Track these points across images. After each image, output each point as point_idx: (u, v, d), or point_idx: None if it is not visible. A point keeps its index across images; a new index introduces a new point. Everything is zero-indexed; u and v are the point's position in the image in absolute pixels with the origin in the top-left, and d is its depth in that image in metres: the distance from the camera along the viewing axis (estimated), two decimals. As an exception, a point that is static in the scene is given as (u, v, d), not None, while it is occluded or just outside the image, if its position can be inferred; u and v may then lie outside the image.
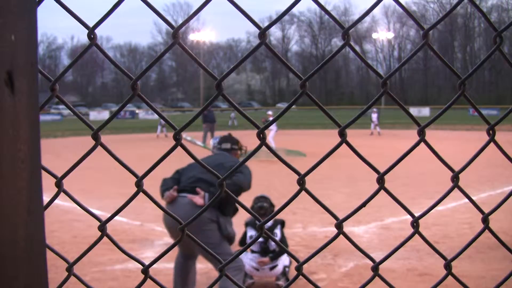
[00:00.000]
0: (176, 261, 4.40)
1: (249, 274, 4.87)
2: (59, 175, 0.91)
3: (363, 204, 1.08)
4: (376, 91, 69.75)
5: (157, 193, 4.30)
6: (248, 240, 4.87)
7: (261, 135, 0.93)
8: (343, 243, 6.20)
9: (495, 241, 1.17)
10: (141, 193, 0.94)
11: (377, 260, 1.09)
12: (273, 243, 4.79)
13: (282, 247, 1.10)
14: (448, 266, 1.14)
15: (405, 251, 5.70)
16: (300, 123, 36.98)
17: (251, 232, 4.94)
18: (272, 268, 4.83)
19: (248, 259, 4.81)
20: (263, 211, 4.92)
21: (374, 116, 28.17)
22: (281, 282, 4.87)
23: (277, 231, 4.93)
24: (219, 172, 3.47)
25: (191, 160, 0.98)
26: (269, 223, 4.83)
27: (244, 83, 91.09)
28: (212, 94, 0.88)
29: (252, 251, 4.91)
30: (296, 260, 1.06)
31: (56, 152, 17.73)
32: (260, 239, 4.79)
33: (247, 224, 5.06)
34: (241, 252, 1.11)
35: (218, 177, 0.97)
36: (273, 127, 19.29)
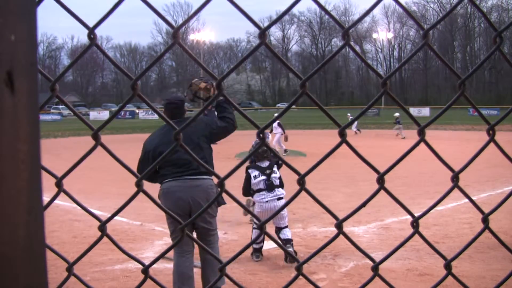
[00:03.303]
0: (176, 263, 4.38)
1: (260, 211, 5.59)
2: (59, 175, 0.91)
3: (363, 204, 1.09)
4: (376, 91, 69.73)
5: (157, 193, 4.31)
6: (253, 180, 5.64)
7: (261, 135, 0.93)
8: (343, 243, 6.19)
9: (495, 241, 1.17)
10: (141, 193, 0.94)
11: (377, 260, 1.09)
12: (276, 178, 5.67)
13: (283, 248, 1.10)
14: (448, 266, 1.14)
15: (405, 251, 5.70)
16: (300, 123, 36.97)
17: (254, 172, 5.70)
18: (279, 199, 5.65)
19: (258, 198, 5.65)
20: (266, 154, 5.75)
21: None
22: (291, 249, 5.57)
23: (276, 169, 5.74)
24: (201, 132, 3.60)
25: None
26: (266, 163, 5.72)
27: (244, 83, 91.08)
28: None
29: (260, 189, 5.65)
30: (296, 260, 1.06)
31: (56, 152, 17.74)
32: (264, 177, 5.65)
33: (248, 168, 5.78)
34: (240, 253, 1.11)
35: (218, 177, 0.97)
36: (278, 130, 18.26)
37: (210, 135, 4.34)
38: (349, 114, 29.22)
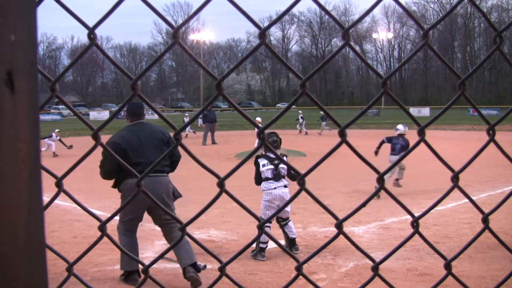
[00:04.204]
0: (127, 242, 4.99)
1: (269, 198, 5.92)
2: (59, 175, 0.91)
3: (363, 204, 1.09)
4: (376, 91, 69.71)
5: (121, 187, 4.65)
6: (262, 168, 5.97)
7: (261, 135, 0.93)
8: (343, 243, 6.19)
9: (495, 241, 1.17)
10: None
11: (377, 260, 1.09)
12: (282, 169, 5.96)
13: (283, 248, 1.10)
14: (448, 266, 1.14)
15: (405, 251, 5.70)
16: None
17: (263, 161, 6.02)
18: (285, 186, 6.00)
19: (266, 186, 5.96)
20: (276, 144, 6.22)
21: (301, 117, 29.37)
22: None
23: (284, 159, 5.81)
24: (160, 149, 4.65)
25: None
26: (273, 156, 5.98)
27: (244, 83, 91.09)
28: (212, 94, 0.88)
29: (268, 178, 5.99)
30: (296, 260, 1.06)
31: (56, 152, 17.73)
32: (272, 167, 5.94)
33: (258, 157, 6.09)
34: (240, 253, 1.11)
35: (218, 177, 0.97)
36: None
37: (168, 144, 5.00)
38: (300, 112, 29.95)
